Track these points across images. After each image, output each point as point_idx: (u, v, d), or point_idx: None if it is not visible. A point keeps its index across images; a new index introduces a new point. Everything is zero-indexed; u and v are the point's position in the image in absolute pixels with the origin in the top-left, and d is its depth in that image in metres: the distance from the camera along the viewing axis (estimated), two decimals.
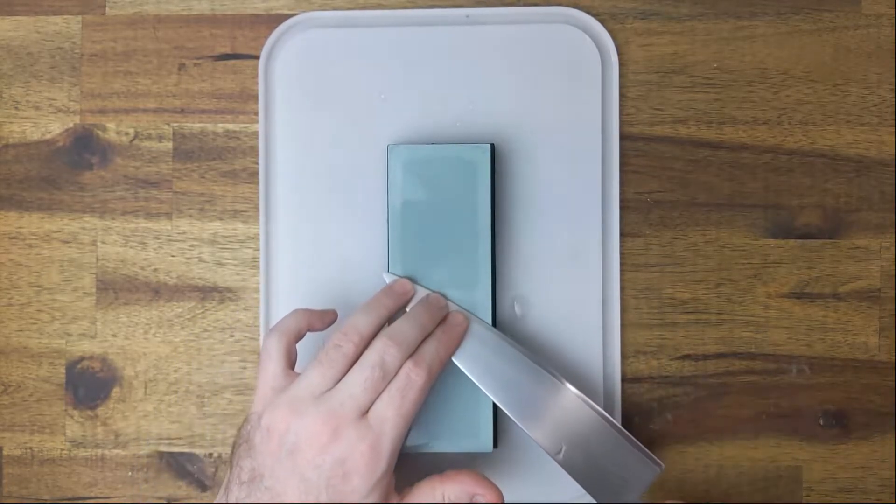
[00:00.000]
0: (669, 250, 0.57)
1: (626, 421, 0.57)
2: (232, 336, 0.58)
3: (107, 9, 0.59)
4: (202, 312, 0.58)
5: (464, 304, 0.54)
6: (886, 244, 0.57)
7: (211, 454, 0.58)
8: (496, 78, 0.57)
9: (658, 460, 0.52)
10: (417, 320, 0.51)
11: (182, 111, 0.58)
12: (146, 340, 0.58)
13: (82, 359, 0.59)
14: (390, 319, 0.52)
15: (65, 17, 0.59)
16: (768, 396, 0.57)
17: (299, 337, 0.52)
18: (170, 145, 0.58)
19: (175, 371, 0.58)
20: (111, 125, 0.59)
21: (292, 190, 0.57)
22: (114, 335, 0.58)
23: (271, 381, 0.50)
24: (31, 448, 0.59)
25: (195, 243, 0.58)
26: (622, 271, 0.57)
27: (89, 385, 0.58)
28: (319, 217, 0.57)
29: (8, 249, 0.59)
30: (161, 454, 0.58)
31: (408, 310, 0.53)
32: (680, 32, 0.58)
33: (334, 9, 0.58)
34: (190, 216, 0.58)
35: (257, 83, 0.58)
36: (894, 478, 0.57)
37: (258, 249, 0.58)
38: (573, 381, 0.53)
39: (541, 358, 0.54)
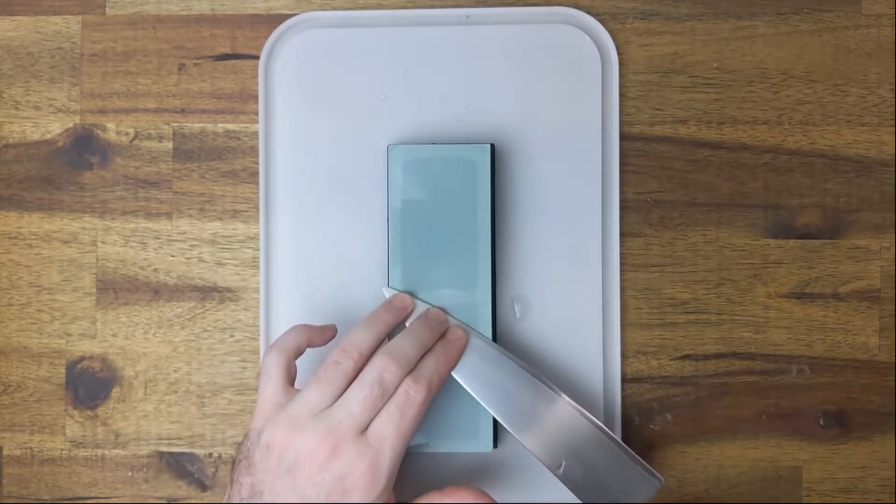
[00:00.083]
0: (669, 250, 0.57)
1: (627, 421, 0.57)
2: (232, 336, 0.58)
3: (107, 9, 0.59)
4: (202, 312, 0.58)
5: (464, 305, 0.54)
6: (886, 244, 0.57)
7: (211, 454, 0.58)
8: (496, 78, 0.57)
9: (658, 474, 0.52)
10: (417, 336, 0.51)
11: (182, 111, 0.58)
12: (146, 340, 0.58)
13: (82, 359, 0.59)
14: (390, 334, 0.52)
15: (65, 17, 0.59)
16: (768, 396, 0.57)
17: (299, 353, 0.51)
18: (170, 145, 0.58)
19: (175, 371, 0.58)
20: (111, 125, 0.59)
21: (292, 190, 0.57)
22: (114, 335, 0.58)
23: (271, 397, 0.50)
24: (31, 448, 0.59)
25: (195, 243, 0.58)
26: (622, 271, 0.57)
27: (89, 385, 0.58)
28: (319, 217, 0.57)
29: (8, 249, 0.59)
30: (161, 454, 0.58)
31: (407, 325, 0.53)
32: (680, 32, 0.58)
33: (334, 9, 0.58)
34: (190, 216, 0.58)
35: (257, 83, 0.58)
36: (894, 478, 0.57)
37: (258, 249, 0.58)
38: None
39: (540, 372, 0.54)
